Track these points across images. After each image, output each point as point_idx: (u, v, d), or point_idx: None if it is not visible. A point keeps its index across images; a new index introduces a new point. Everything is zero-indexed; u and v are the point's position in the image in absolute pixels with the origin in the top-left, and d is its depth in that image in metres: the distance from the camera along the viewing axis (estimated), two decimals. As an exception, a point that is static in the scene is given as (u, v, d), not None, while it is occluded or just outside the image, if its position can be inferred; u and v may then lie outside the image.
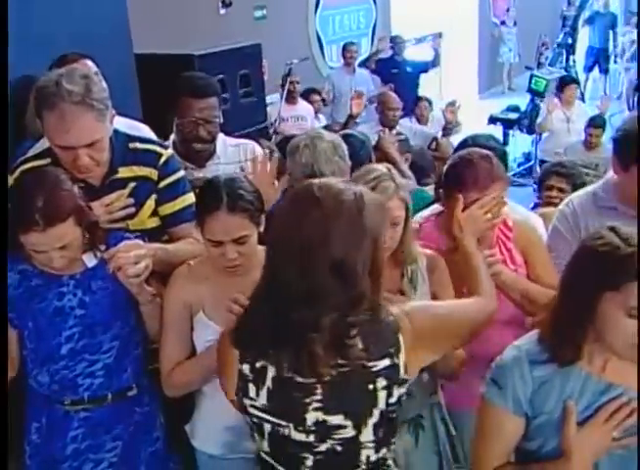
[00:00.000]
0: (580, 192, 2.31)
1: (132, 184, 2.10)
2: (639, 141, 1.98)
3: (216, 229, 1.82)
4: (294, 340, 1.37)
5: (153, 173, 2.14)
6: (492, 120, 7.51)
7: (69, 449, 1.96)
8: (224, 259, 1.85)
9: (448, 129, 4.79)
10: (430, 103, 6.40)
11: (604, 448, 1.49)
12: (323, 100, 6.80)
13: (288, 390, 1.42)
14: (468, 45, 11.16)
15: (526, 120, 7.53)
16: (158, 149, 2.18)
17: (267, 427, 1.47)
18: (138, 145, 2.14)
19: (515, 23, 11.49)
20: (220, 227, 1.82)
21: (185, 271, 1.97)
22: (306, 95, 6.38)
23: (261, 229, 1.90)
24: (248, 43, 4.88)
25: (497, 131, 6.93)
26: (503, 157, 2.23)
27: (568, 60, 9.83)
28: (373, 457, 1.49)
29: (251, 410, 1.48)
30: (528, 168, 7.59)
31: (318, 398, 1.42)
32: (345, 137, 3.54)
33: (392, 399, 1.44)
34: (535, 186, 4.42)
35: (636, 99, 6.33)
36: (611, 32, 11.34)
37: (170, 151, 2.25)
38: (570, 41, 9.66)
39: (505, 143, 7.52)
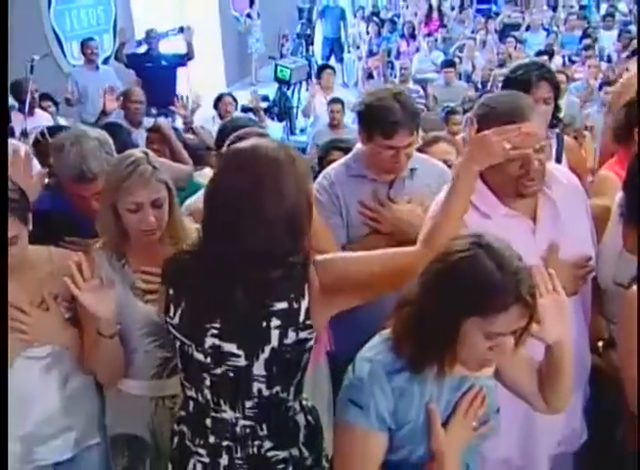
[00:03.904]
0: (335, 164, 2.47)
1: None
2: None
3: None
4: (217, 287, 1.49)
5: None
6: (244, 110, 7.67)
7: None
8: None
9: (188, 124, 4.94)
10: (235, 100, 6.16)
11: (468, 441, 1.51)
12: (67, 100, 6.46)
13: (195, 313, 1.55)
14: (211, 39, 11.27)
15: (276, 108, 7.84)
16: None
17: (177, 344, 1.61)
18: None
19: (259, 16, 11.88)
20: None
21: None
22: (40, 101, 5.83)
23: (30, 227, 1.81)
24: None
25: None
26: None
27: (307, 50, 10.39)
28: (265, 392, 1.57)
29: (170, 328, 1.61)
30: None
31: (217, 325, 1.53)
32: (111, 126, 3.49)
33: (288, 341, 1.52)
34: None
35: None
36: (342, 24, 12.18)
37: None
38: (307, 32, 10.20)
39: (260, 132, 7.75)
